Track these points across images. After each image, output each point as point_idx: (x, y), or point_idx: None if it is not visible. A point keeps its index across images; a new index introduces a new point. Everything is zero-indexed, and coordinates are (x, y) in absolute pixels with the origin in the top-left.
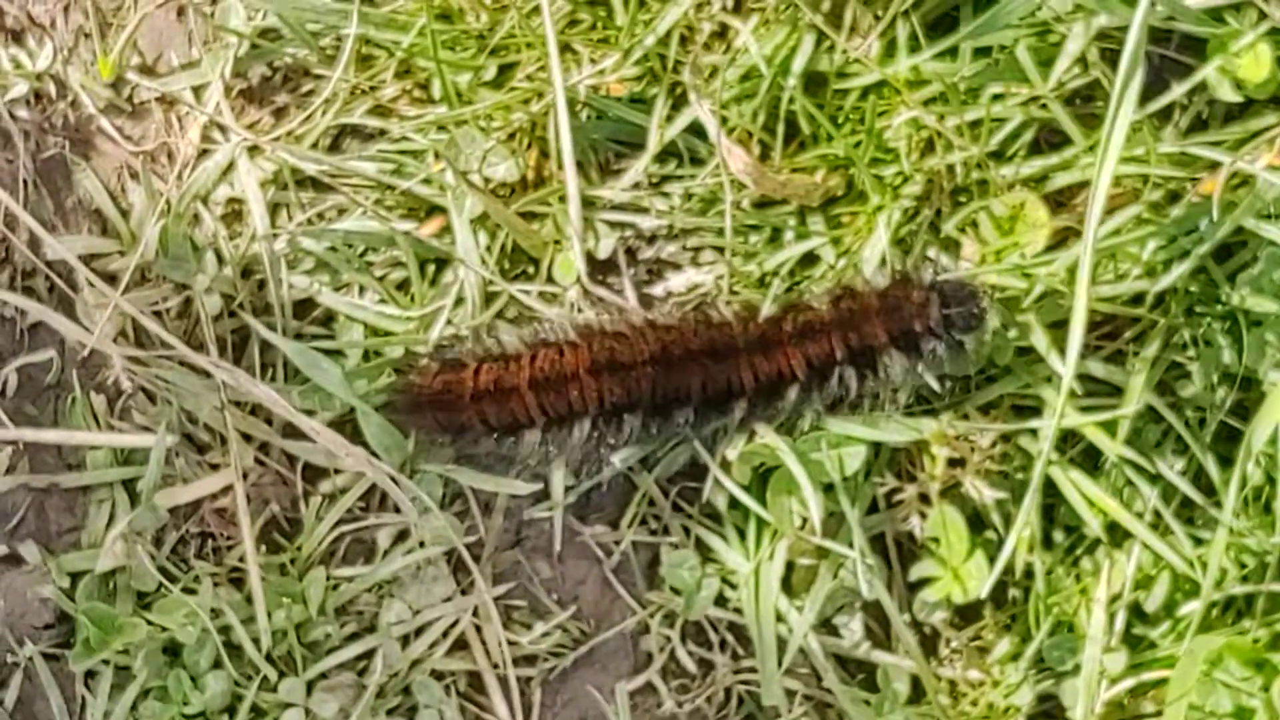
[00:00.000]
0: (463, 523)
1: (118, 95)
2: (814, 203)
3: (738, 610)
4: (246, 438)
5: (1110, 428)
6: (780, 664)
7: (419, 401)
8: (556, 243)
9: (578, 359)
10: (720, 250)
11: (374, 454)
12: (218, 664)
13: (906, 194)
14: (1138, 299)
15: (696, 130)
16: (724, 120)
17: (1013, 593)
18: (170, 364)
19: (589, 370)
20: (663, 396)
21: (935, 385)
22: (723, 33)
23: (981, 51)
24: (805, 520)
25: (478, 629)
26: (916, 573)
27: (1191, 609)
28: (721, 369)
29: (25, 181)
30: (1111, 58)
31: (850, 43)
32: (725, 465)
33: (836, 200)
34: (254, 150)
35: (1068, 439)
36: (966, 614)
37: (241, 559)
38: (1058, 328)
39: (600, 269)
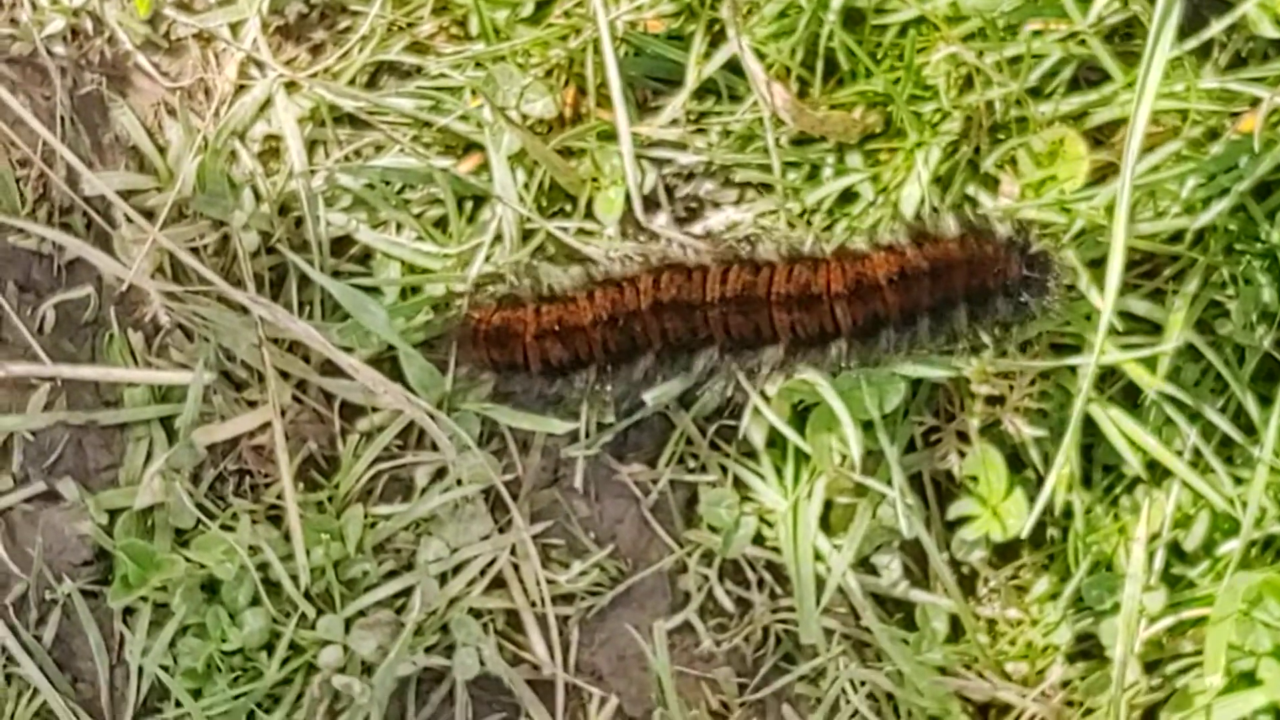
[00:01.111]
0: (500, 461)
1: (154, 31)
2: (852, 140)
3: (775, 549)
4: (284, 375)
5: (1150, 365)
6: (818, 603)
7: (475, 336)
8: (594, 180)
9: (641, 296)
10: (758, 188)
11: (411, 391)
12: (256, 601)
13: (945, 131)
14: (1177, 236)
15: (734, 67)
16: (762, 56)
17: (1051, 532)
18: (208, 300)
19: (653, 308)
20: (740, 336)
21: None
22: None
23: None
24: (845, 457)
25: (515, 567)
26: (955, 511)
27: (1231, 548)
28: (813, 313)
29: (62, 118)
30: None
31: None
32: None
33: (875, 137)
34: (291, 87)
35: (1107, 377)
36: (1005, 553)
37: (279, 496)
38: (1098, 265)
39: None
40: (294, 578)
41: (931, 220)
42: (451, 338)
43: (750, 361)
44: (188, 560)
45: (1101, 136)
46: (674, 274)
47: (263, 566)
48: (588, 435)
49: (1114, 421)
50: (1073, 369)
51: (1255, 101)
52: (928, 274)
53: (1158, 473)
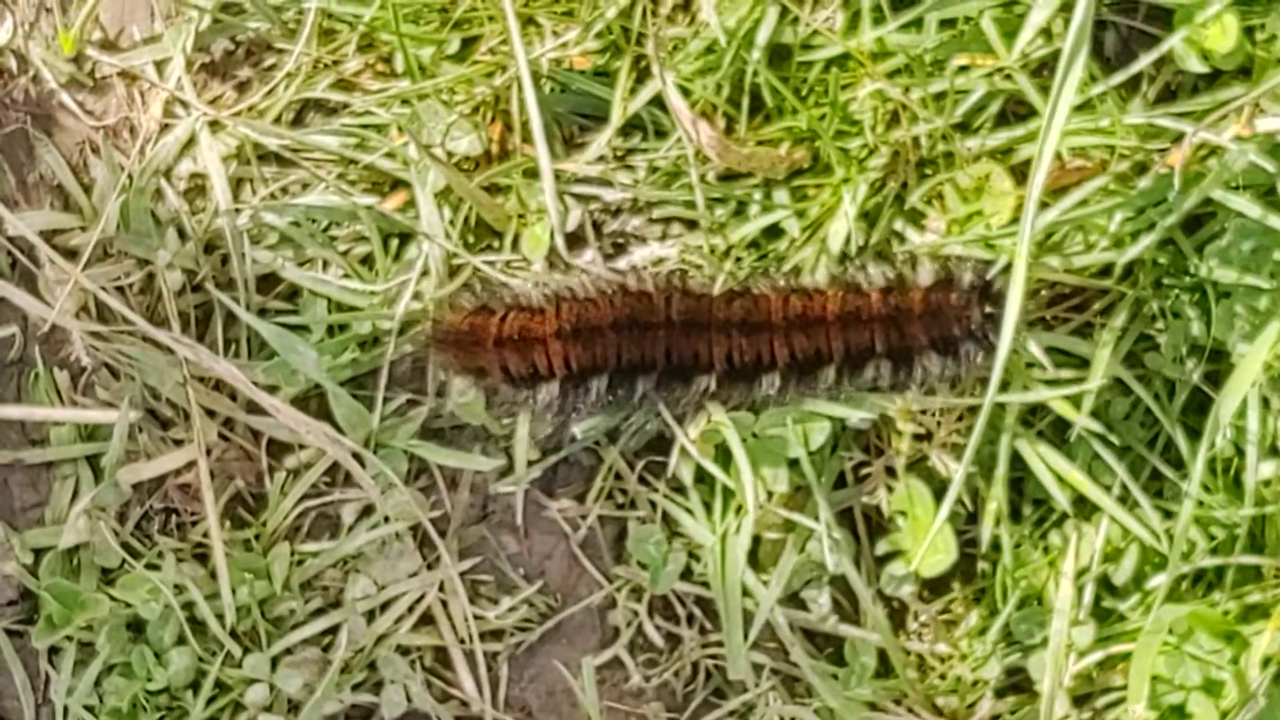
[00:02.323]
0: (428, 498)
1: (79, 70)
2: (779, 176)
3: (705, 584)
4: (210, 413)
5: (1077, 401)
6: (747, 638)
7: (445, 339)
8: (520, 216)
9: (600, 314)
10: (684, 223)
11: (339, 429)
12: (181, 640)
13: (872, 166)
14: (1106, 271)
15: (660, 103)
16: (688, 93)
17: (981, 566)
18: (132, 340)
19: (610, 326)
20: (680, 360)
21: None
22: (686, 5)
23: (946, 23)
24: (771, 494)
25: (444, 604)
26: (884, 546)
27: (1160, 582)
28: (753, 340)
29: None
30: None
31: (814, 15)
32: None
33: (802, 173)
34: (216, 125)
35: (1036, 411)
36: (934, 587)
37: (205, 534)
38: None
39: (566, 242)
40: (220, 616)
41: (902, 266)
42: (425, 339)
43: (694, 386)
44: (113, 599)
45: (1028, 171)
46: (628, 296)
47: (188, 605)
48: (532, 465)
49: (1041, 457)
50: (1001, 405)
51: (1180, 136)
52: (881, 318)
53: (1087, 507)
